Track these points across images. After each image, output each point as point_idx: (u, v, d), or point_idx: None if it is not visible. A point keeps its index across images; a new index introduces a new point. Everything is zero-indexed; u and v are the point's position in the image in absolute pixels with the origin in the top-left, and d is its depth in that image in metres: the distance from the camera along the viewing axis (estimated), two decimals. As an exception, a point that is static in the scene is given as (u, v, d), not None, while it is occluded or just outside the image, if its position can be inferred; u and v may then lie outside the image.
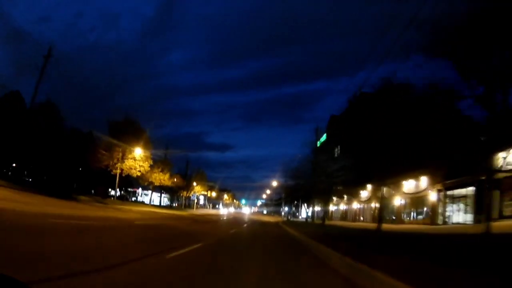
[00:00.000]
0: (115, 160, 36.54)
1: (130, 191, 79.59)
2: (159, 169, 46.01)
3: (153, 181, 45.70)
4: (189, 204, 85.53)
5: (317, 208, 49.26)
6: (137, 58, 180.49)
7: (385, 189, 33.80)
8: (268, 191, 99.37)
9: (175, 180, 51.53)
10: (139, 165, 37.90)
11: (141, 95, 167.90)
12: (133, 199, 72.31)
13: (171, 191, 64.81)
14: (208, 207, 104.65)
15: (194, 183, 74.72)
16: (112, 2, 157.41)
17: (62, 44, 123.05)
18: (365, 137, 16.38)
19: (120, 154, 36.22)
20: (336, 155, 32.78)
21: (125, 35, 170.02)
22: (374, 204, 33.42)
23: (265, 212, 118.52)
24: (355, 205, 39.82)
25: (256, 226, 26.77)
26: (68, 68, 58.67)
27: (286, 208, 76.96)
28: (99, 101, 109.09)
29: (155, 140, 42.18)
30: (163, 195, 71.09)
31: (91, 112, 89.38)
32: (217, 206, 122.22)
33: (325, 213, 32.85)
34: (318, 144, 38.82)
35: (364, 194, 35.38)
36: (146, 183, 46.67)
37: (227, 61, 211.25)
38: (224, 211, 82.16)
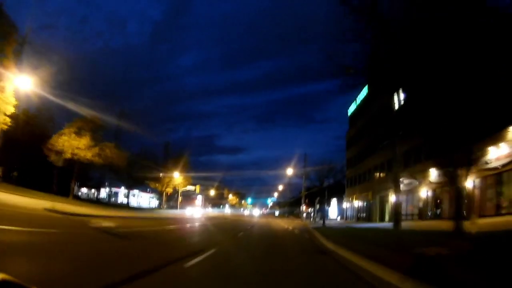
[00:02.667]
0: None
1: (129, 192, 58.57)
2: (73, 130, 25.05)
3: (62, 149, 24.79)
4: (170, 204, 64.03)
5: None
6: (146, 61, 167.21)
7: None
8: (280, 187, 78.92)
9: (107, 152, 27.65)
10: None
11: (151, 99, 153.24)
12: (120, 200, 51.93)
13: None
14: (207, 208, 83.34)
15: (177, 173, 52.89)
16: (120, 5, 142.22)
17: (73, 49, 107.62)
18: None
19: None
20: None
21: (134, 38, 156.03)
22: None
23: (277, 213, 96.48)
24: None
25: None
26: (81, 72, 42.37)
27: (305, 208, 55.11)
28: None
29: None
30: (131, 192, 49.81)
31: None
32: (221, 207, 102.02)
33: None
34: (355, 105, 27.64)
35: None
36: (52, 157, 25.70)
37: (238, 63, 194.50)
38: (193, 211, 51.41)
